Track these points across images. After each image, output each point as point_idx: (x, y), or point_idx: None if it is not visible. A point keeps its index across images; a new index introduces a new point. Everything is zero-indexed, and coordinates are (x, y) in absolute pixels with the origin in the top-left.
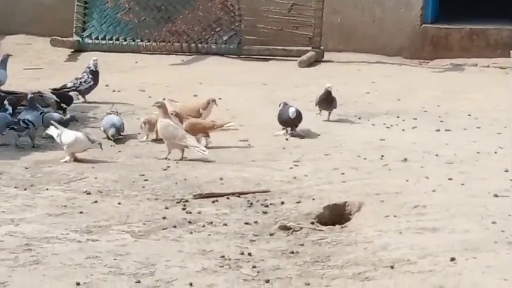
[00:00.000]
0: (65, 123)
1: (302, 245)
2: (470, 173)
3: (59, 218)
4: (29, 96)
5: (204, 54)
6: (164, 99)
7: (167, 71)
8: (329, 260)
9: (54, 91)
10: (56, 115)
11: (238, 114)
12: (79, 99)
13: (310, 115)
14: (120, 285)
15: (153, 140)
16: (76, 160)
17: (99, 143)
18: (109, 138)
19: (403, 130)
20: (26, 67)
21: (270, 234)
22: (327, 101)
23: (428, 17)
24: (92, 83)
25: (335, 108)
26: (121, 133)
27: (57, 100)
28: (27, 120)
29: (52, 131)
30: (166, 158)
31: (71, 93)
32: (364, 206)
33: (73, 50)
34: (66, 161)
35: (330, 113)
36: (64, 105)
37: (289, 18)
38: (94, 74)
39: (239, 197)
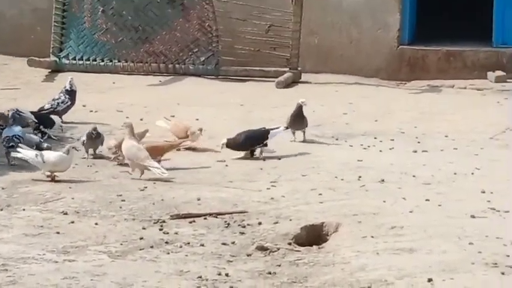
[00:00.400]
0: (40, 149)
1: (279, 265)
2: (447, 194)
3: (36, 238)
4: (11, 112)
5: (182, 75)
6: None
7: (145, 92)
8: (306, 281)
9: (33, 113)
10: (36, 138)
11: (216, 134)
12: (62, 128)
13: (288, 136)
14: None
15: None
16: (53, 180)
17: (73, 147)
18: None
19: (380, 151)
20: (3, 87)
21: (248, 255)
22: (299, 118)
23: (405, 39)
24: (69, 102)
25: (307, 126)
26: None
27: (36, 121)
28: (18, 136)
29: (25, 153)
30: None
31: (52, 117)
32: (341, 226)
33: (50, 71)
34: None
35: (304, 133)
36: (42, 128)
37: (266, 39)
38: (71, 93)
39: (216, 217)
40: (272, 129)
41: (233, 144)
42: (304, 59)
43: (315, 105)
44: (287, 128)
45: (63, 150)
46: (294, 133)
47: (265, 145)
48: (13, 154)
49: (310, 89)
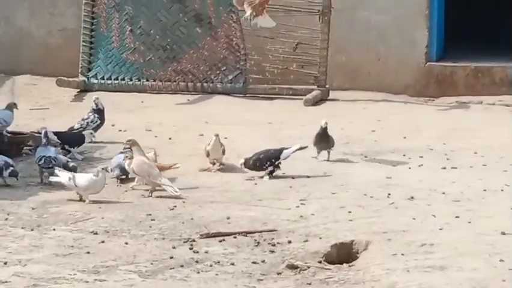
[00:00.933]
0: (68, 169)
1: (310, 284)
2: (477, 210)
3: (66, 259)
4: (43, 131)
5: (210, 94)
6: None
7: (173, 111)
8: None
9: (57, 133)
10: (63, 158)
11: (244, 152)
12: (94, 137)
13: (316, 154)
14: None
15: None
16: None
17: (103, 168)
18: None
19: (409, 168)
20: (31, 107)
21: (278, 274)
22: (324, 138)
23: (433, 55)
24: (98, 122)
25: (333, 146)
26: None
27: (59, 141)
28: (55, 157)
29: (60, 176)
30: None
31: (84, 132)
32: (371, 244)
33: (78, 90)
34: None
35: (329, 153)
36: (67, 147)
37: (294, 57)
38: (99, 112)
39: (246, 236)
40: (285, 148)
41: (248, 164)
42: (332, 76)
43: (343, 123)
44: (302, 148)
45: (93, 173)
46: (318, 153)
47: (278, 166)
48: (51, 179)
49: (338, 107)
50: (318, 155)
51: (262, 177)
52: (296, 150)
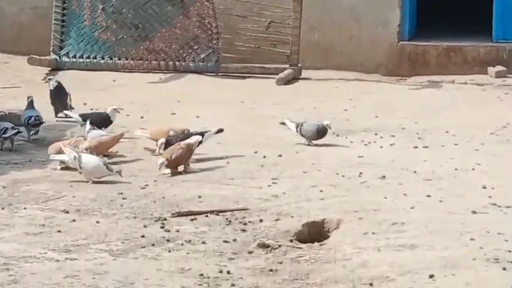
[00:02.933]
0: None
1: (281, 262)
2: (448, 189)
3: (37, 237)
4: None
5: (182, 72)
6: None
7: (145, 89)
8: (307, 278)
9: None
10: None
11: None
12: (118, 112)
13: (289, 133)
14: None
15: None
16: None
17: (117, 171)
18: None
19: (381, 147)
20: (3, 86)
21: (249, 252)
22: (321, 134)
23: (405, 34)
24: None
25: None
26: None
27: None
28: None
29: (65, 155)
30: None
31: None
32: (343, 223)
33: (50, 69)
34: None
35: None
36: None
37: (266, 36)
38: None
39: (217, 215)
40: (206, 132)
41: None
42: (305, 55)
43: (316, 102)
44: (220, 130)
45: (110, 168)
46: (310, 142)
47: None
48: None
49: (310, 86)
50: (308, 142)
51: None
52: (216, 132)
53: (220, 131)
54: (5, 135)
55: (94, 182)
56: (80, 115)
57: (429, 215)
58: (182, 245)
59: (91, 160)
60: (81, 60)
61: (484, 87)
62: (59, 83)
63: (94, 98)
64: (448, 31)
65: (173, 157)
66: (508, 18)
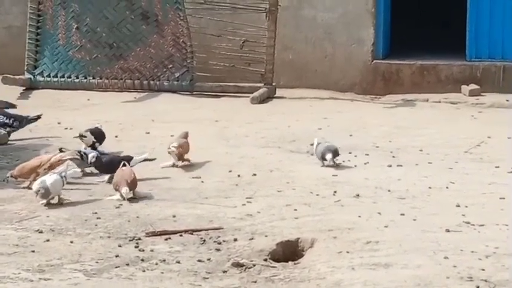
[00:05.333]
0: None
1: (255, 282)
2: (422, 208)
3: (11, 257)
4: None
5: (156, 91)
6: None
7: (120, 108)
8: None
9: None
10: None
11: (191, 150)
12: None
13: (263, 152)
14: None
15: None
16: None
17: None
18: None
19: (355, 166)
20: None
21: (223, 272)
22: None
23: (379, 53)
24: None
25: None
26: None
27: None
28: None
29: None
30: None
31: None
32: (317, 242)
33: (24, 88)
34: None
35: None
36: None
37: (241, 55)
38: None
39: (192, 234)
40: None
41: (99, 166)
42: (279, 74)
43: (290, 121)
44: (150, 159)
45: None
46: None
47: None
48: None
49: (285, 104)
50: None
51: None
52: (144, 159)
53: (152, 159)
54: None
55: (66, 204)
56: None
57: (403, 233)
58: (156, 264)
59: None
60: (55, 79)
61: (458, 106)
62: None
63: (68, 117)
64: (422, 50)
65: None
66: (481, 37)
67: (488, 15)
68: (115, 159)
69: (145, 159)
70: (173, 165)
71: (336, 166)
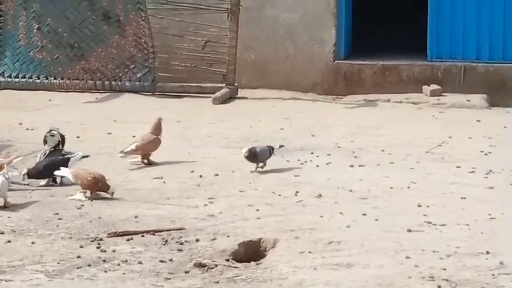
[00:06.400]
0: None
1: (217, 282)
2: (383, 208)
3: None
4: None
5: (118, 92)
6: None
7: (82, 109)
8: None
9: None
10: None
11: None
12: None
13: (225, 152)
14: None
15: None
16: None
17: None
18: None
19: (317, 166)
20: None
21: (185, 272)
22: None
23: (341, 53)
24: None
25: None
26: None
27: None
28: None
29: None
30: None
31: None
32: (279, 242)
33: None
34: None
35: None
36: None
37: (203, 55)
38: None
39: (154, 234)
40: (72, 156)
41: (33, 172)
42: (241, 74)
43: (252, 121)
44: (85, 156)
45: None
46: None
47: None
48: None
49: (247, 105)
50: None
51: (56, 182)
52: (82, 157)
53: (86, 156)
54: None
55: (27, 201)
56: None
57: (365, 233)
58: (118, 265)
59: None
60: (17, 79)
61: (419, 106)
62: None
63: (29, 117)
64: (383, 50)
65: None
66: (442, 38)
67: (449, 15)
68: (52, 163)
69: (83, 157)
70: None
71: (257, 170)
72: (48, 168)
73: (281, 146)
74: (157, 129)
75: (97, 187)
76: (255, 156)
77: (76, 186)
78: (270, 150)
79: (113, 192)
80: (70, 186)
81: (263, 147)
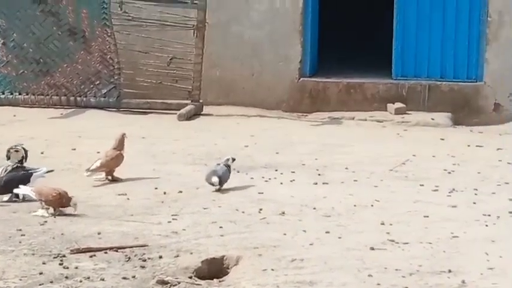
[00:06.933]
0: None
1: None
2: (347, 226)
3: None
4: None
5: (83, 108)
6: None
7: (46, 125)
8: None
9: None
10: None
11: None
12: None
13: (190, 169)
14: None
15: None
16: None
17: None
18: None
19: (281, 183)
20: None
21: None
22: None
23: (306, 71)
24: None
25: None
26: None
27: None
28: None
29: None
30: None
31: None
32: (242, 259)
33: None
34: None
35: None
36: None
37: (168, 72)
38: None
39: (117, 251)
40: (35, 171)
41: None
42: (206, 91)
43: (217, 138)
44: (50, 171)
45: None
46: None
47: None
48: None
49: (212, 122)
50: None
51: (18, 198)
52: (46, 172)
53: (50, 171)
54: None
55: None
56: None
57: (328, 251)
58: (81, 281)
59: None
60: None
61: (384, 124)
62: None
63: None
64: (349, 68)
65: None
66: (407, 56)
67: (414, 34)
68: (14, 178)
69: (47, 172)
70: (106, 179)
71: (218, 191)
72: (9, 184)
73: (233, 160)
74: (120, 144)
75: (62, 203)
76: (221, 182)
77: (37, 203)
78: (228, 169)
79: (75, 204)
80: (33, 202)
81: (223, 169)
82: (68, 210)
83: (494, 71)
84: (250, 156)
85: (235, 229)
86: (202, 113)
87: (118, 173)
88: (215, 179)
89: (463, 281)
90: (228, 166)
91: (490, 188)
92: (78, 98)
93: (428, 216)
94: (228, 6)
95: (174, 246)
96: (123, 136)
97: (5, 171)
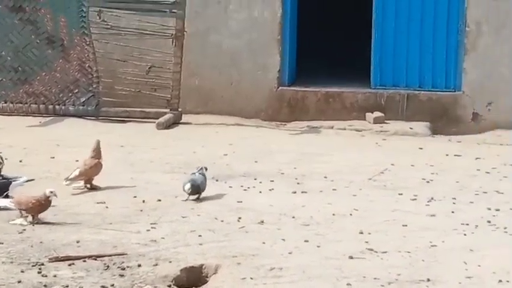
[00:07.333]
0: None
1: None
2: (326, 235)
3: None
4: None
5: (62, 116)
6: None
7: (25, 133)
8: None
9: None
10: None
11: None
12: None
13: (168, 177)
14: None
15: None
16: None
17: None
18: None
19: (260, 192)
20: None
21: None
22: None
23: (285, 80)
24: None
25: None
26: None
27: None
28: None
29: None
30: None
31: None
32: (221, 268)
33: None
34: None
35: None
36: None
37: (147, 80)
38: None
39: (96, 260)
40: (14, 180)
41: None
42: (185, 100)
43: (196, 147)
44: (30, 180)
45: None
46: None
47: (7, 196)
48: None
49: (190, 130)
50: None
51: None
52: (26, 181)
53: (30, 180)
54: None
55: None
56: None
57: (307, 260)
58: None
59: None
60: None
61: (362, 133)
62: None
63: None
64: (327, 77)
65: None
66: (386, 65)
67: (392, 44)
68: None
69: (27, 181)
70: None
71: (197, 200)
72: None
73: (206, 169)
74: (98, 153)
75: (42, 208)
76: (198, 191)
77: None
78: (205, 176)
79: (52, 192)
80: (11, 210)
81: (201, 178)
82: (47, 218)
83: (473, 81)
84: (229, 164)
85: (214, 238)
86: (181, 121)
87: (96, 181)
88: (187, 186)
89: None
90: (204, 175)
91: (468, 197)
92: (57, 107)
93: (406, 225)
94: (206, 15)
95: (153, 254)
96: (98, 144)
97: None
